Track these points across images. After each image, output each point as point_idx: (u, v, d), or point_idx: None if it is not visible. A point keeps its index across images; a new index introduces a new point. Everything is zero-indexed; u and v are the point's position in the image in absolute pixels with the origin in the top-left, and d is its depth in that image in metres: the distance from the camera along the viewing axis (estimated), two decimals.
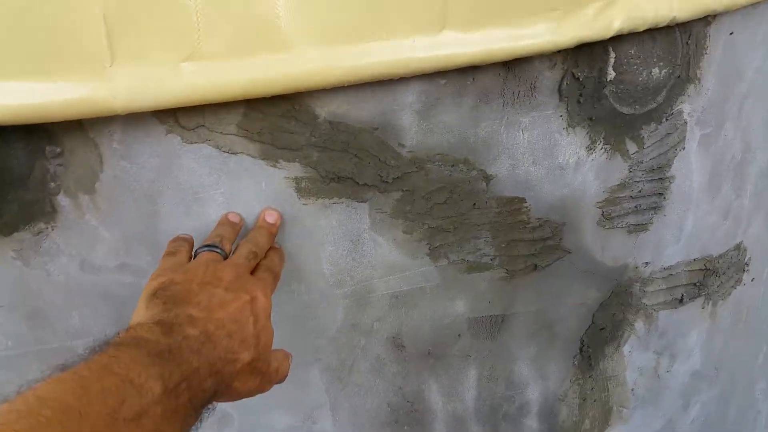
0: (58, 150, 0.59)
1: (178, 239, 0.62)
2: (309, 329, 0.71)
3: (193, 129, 0.58)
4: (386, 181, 0.63)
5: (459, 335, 0.75)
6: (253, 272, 0.57)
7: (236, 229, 0.61)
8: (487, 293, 0.73)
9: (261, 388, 0.53)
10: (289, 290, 0.68)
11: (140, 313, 0.50)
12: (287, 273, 0.67)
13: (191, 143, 0.59)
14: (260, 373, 0.51)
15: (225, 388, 0.47)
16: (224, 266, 0.53)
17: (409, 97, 0.60)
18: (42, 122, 0.53)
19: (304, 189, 0.63)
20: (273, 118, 0.59)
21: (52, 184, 0.61)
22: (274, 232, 0.62)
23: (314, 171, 0.62)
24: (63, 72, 0.50)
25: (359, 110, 0.59)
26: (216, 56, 0.52)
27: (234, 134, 0.59)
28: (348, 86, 0.57)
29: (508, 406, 0.83)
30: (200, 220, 0.63)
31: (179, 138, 0.59)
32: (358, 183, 0.63)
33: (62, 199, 0.61)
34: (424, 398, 0.78)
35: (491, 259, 0.71)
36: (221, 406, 0.74)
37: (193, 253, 0.59)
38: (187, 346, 0.43)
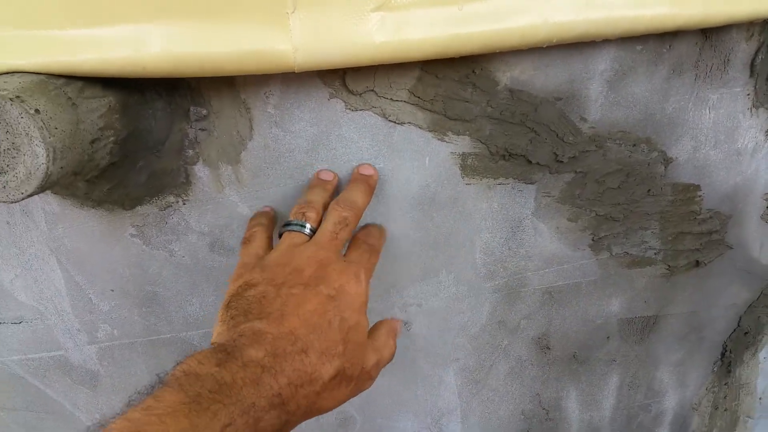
0: (204, 112, 0.52)
1: (256, 217, 0.53)
2: (452, 326, 0.64)
3: (361, 94, 0.51)
4: (560, 161, 0.56)
5: (608, 337, 0.68)
6: (349, 248, 0.49)
7: (329, 190, 0.51)
8: (644, 291, 0.66)
9: (357, 391, 0.44)
10: (437, 281, 0.61)
11: (215, 329, 0.42)
12: (438, 262, 0.60)
13: (356, 110, 0.52)
14: (352, 379, 0.42)
15: (303, 412, 0.39)
16: (305, 251, 0.45)
17: (602, 64, 0.52)
18: (201, 76, 0.46)
19: (469, 167, 0.56)
20: (449, 84, 0.52)
21: (190, 152, 0.53)
22: (373, 185, 0.53)
23: (484, 146, 0.55)
24: (237, 16, 0.43)
25: (545, 77, 0.52)
26: (409, 5, 0.45)
27: (404, 101, 0.52)
28: (537, 48, 0.50)
29: (644, 416, 0.75)
30: None
31: (343, 104, 0.51)
32: (530, 161, 0.56)
33: (200, 169, 0.54)
34: (561, 406, 0.71)
35: (655, 253, 0.64)
36: (342, 407, 0.67)
37: (277, 232, 0.50)
38: (244, 377, 0.35)
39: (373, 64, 0.46)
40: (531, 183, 0.57)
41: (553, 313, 0.65)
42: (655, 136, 0.57)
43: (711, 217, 0.64)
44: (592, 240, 0.61)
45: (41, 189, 0.40)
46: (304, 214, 0.48)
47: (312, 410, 0.40)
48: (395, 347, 0.49)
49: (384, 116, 0.52)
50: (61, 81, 0.42)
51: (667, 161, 0.59)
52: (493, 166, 0.56)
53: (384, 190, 0.55)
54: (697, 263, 0.66)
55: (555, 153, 0.56)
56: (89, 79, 0.44)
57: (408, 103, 0.52)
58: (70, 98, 0.41)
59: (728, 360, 0.76)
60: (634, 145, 0.57)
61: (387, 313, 0.62)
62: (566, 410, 0.71)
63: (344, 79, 0.50)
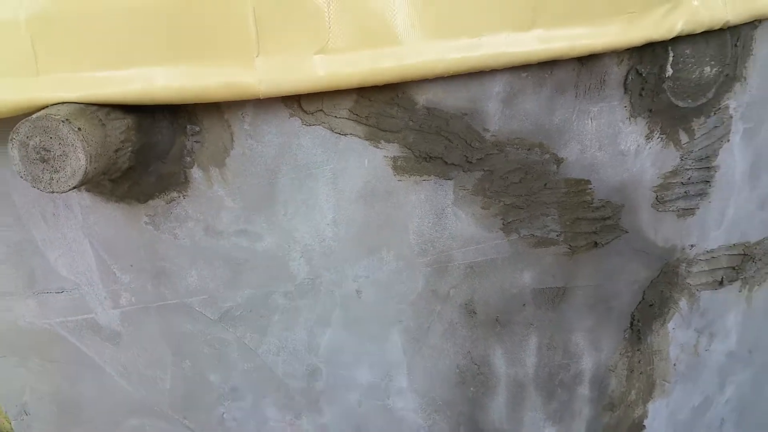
0: (197, 129, 0.70)
1: None
2: (394, 293, 0.81)
3: (313, 113, 0.69)
4: (470, 162, 0.73)
5: (524, 305, 0.84)
6: None
7: None
8: (551, 267, 0.82)
9: None
10: (379, 257, 0.78)
11: None
12: (380, 242, 0.77)
13: (309, 125, 0.69)
14: None
15: None
16: None
17: (496, 87, 0.69)
18: (194, 102, 0.64)
19: (399, 167, 0.73)
20: (379, 104, 0.69)
21: (188, 159, 0.71)
22: None
23: (410, 151, 0.72)
24: (216, 59, 0.61)
25: (453, 98, 0.69)
26: (342, 50, 0.62)
27: (346, 118, 0.69)
28: (445, 77, 0.67)
29: (564, 374, 0.91)
30: (311, 191, 0.73)
31: (300, 121, 0.69)
32: (446, 162, 0.73)
33: (195, 172, 0.72)
34: (490, 362, 0.87)
35: (557, 235, 0.80)
36: (311, 361, 0.83)
37: None
38: None
39: (317, 91, 0.64)
40: (449, 179, 0.74)
41: (476, 284, 0.81)
42: (547, 141, 0.74)
43: (603, 206, 0.80)
44: (503, 224, 0.78)
45: (81, 183, 0.58)
46: None
47: None
48: None
49: (331, 129, 0.70)
50: (94, 108, 0.60)
51: (558, 161, 0.75)
52: (418, 166, 0.73)
53: (334, 186, 0.73)
54: (596, 244, 0.82)
55: (465, 156, 0.73)
56: (114, 106, 0.62)
57: (349, 119, 0.69)
58: (100, 120, 0.60)
59: (637, 328, 0.92)
60: (529, 149, 0.74)
61: (343, 282, 0.79)
62: (494, 366, 0.87)
63: (300, 102, 0.68)
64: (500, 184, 0.75)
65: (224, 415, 0.88)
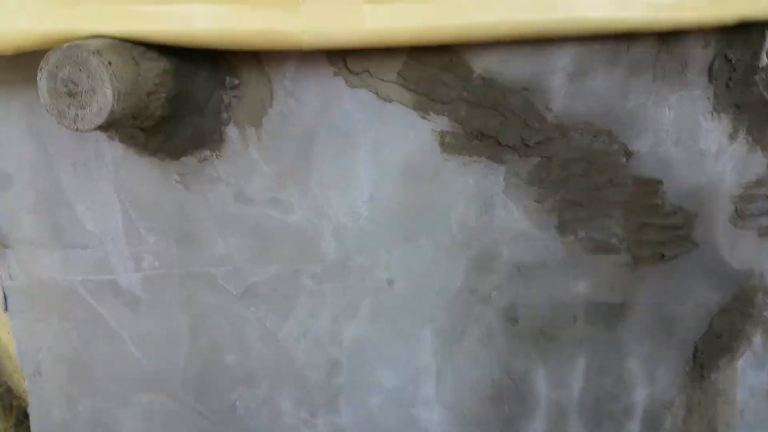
0: (236, 82, 0.66)
1: None
2: (429, 287, 0.73)
3: (358, 73, 0.64)
4: (527, 144, 0.66)
5: (575, 318, 0.75)
6: None
7: None
8: (609, 277, 0.73)
9: None
10: (417, 245, 0.71)
11: None
12: (419, 228, 0.70)
13: (353, 87, 0.64)
14: None
15: None
16: None
17: (563, 60, 0.63)
18: (234, 48, 0.60)
19: (447, 144, 0.66)
20: (431, 69, 0.63)
21: (225, 115, 0.68)
22: None
23: (460, 127, 0.66)
24: (260, 1, 0.57)
25: (513, 69, 0.63)
26: (394, 0, 0.57)
27: (393, 82, 0.64)
28: (507, 42, 0.61)
29: (613, 404, 0.81)
30: (349, 162, 0.67)
31: (344, 81, 0.64)
32: (500, 143, 0.66)
33: (231, 130, 0.68)
34: (530, 380, 0.78)
35: (619, 242, 0.71)
36: (333, 353, 0.77)
37: None
38: None
39: (364, 46, 0.59)
40: (502, 163, 0.67)
41: (522, 287, 0.73)
42: (616, 128, 0.66)
43: (675, 213, 0.71)
44: (558, 222, 0.70)
45: (108, 124, 0.54)
46: None
47: None
48: None
49: (377, 94, 0.64)
50: (129, 45, 0.57)
51: (628, 153, 0.67)
52: (468, 144, 0.66)
53: (375, 158, 0.67)
54: (662, 256, 0.72)
55: (522, 137, 0.66)
56: (150, 46, 0.59)
57: (396, 84, 0.64)
58: (133, 57, 0.57)
59: (700, 362, 0.80)
60: (596, 135, 0.66)
61: (375, 269, 0.72)
62: (534, 385, 0.78)
63: (345, 60, 0.63)
64: (559, 175, 0.68)
65: (237, 403, 0.82)
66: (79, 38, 0.57)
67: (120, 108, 0.55)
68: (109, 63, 0.53)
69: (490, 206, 0.69)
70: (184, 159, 0.70)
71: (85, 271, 0.79)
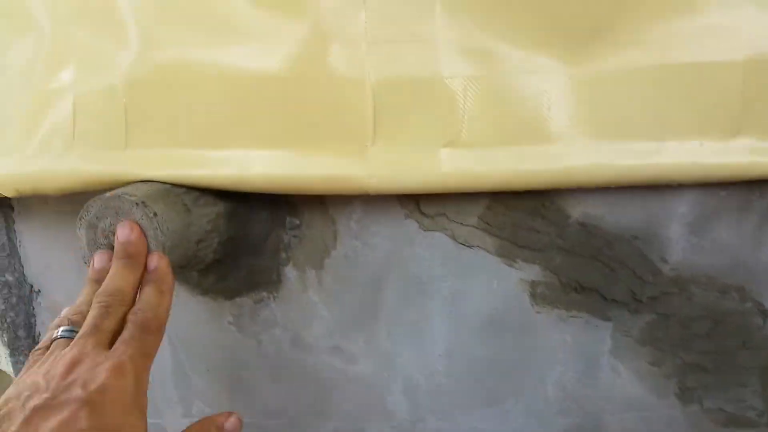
0: (297, 222, 0.59)
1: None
2: None
3: (433, 217, 0.55)
4: (639, 300, 0.54)
5: None
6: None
7: (101, 281, 0.44)
8: None
9: None
10: (503, 409, 0.60)
11: None
12: (506, 389, 0.59)
13: (428, 230, 0.56)
14: None
15: None
16: (57, 360, 0.38)
17: (681, 207, 0.52)
18: (294, 193, 0.53)
19: (539, 295, 0.56)
20: (518, 214, 0.54)
21: (284, 255, 0.60)
22: (133, 252, 0.45)
23: (555, 277, 0.55)
24: (324, 146, 0.50)
25: (620, 215, 0.52)
26: (476, 144, 0.49)
27: (473, 226, 0.55)
28: (612, 188, 0.51)
29: None
30: (422, 311, 0.58)
31: (416, 224, 0.56)
32: (605, 297, 0.55)
33: (289, 271, 0.61)
34: None
35: (758, 415, 0.57)
36: None
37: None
38: None
39: (441, 192, 0.50)
40: (607, 320, 0.56)
41: None
42: (749, 285, 0.53)
43: None
44: (679, 389, 0.57)
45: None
46: (69, 320, 0.42)
47: None
48: None
49: (454, 238, 0.55)
50: (182, 190, 0.51)
51: (765, 313, 0.54)
52: (564, 297, 0.56)
53: (452, 309, 0.58)
54: None
55: (632, 291, 0.54)
56: (205, 190, 0.53)
57: (477, 228, 0.55)
58: (185, 205, 0.51)
59: None
60: (723, 292, 0.54)
61: None
62: None
63: (418, 202, 0.55)
64: (679, 335, 0.55)
65: None
66: (127, 182, 0.52)
67: None
68: (155, 214, 0.47)
69: (593, 368, 0.57)
70: (238, 300, 0.63)
71: None
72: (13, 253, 0.76)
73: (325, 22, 0.48)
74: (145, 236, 0.46)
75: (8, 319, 0.76)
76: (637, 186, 0.50)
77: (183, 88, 0.50)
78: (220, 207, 0.54)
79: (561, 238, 0.54)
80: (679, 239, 0.52)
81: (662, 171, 0.48)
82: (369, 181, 0.49)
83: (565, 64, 0.48)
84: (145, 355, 0.40)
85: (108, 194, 0.47)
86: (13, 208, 0.74)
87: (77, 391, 0.35)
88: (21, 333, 0.75)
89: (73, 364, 0.37)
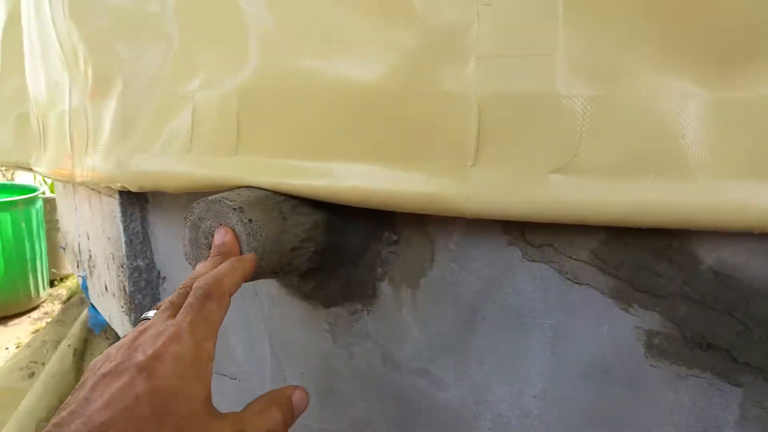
0: (395, 238, 0.57)
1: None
2: None
3: (539, 246, 0.51)
4: None
5: None
6: None
7: (216, 265, 0.45)
8: None
9: None
10: None
11: None
12: None
13: (532, 261, 0.51)
14: None
15: None
16: (129, 333, 0.39)
17: None
18: (389, 210, 0.51)
19: (656, 347, 0.49)
20: (640, 253, 0.48)
21: (380, 270, 0.59)
22: (227, 252, 0.47)
23: (677, 328, 0.48)
24: (422, 163, 0.48)
25: (762, 266, 0.44)
26: (594, 171, 0.44)
27: (585, 261, 0.49)
28: (753, 233, 0.43)
29: None
30: (519, 347, 0.54)
31: (519, 252, 0.51)
32: (735, 360, 0.47)
33: (385, 287, 0.59)
34: None
35: None
36: None
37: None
38: None
39: (548, 221, 0.46)
40: (737, 385, 0.48)
41: None
42: None
43: None
44: None
45: (243, 280, 0.49)
46: (157, 306, 0.44)
47: None
48: (280, 419, 0.42)
49: (561, 272, 0.50)
50: (281, 198, 0.52)
51: None
52: (686, 353, 0.48)
53: (553, 348, 0.52)
54: None
55: None
56: (303, 200, 0.53)
57: (590, 264, 0.49)
58: (282, 212, 0.51)
59: None
60: None
61: None
62: None
63: (523, 229, 0.51)
64: None
65: None
66: (232, 186, 0.54)
67: (258, 266, 0.49)
68: (250, 220, 0.48)
69: None
70: (334, 309, 0.63)
71: (231, 402, 0.75)
72: (146, 241, 0.82)
73: (434, 34, 0.46)
74: (239, 240, 0.47)
75: (136, 301, 0.83)
76: None
77: (290, 98, 0.50)
78: (317, 217, 0.54)
79: (688, 286, 0.47)
80: None
81: None
82: (467, 203, 0.46)
83: (707, 88, 0.41)
84: (206, 321, 0.39)
85: (210, 198, 0.49)
86: (148, 200, 0.81)
87: (138, 357, 0.36)
88: None
89: (140, 334, 0.38)
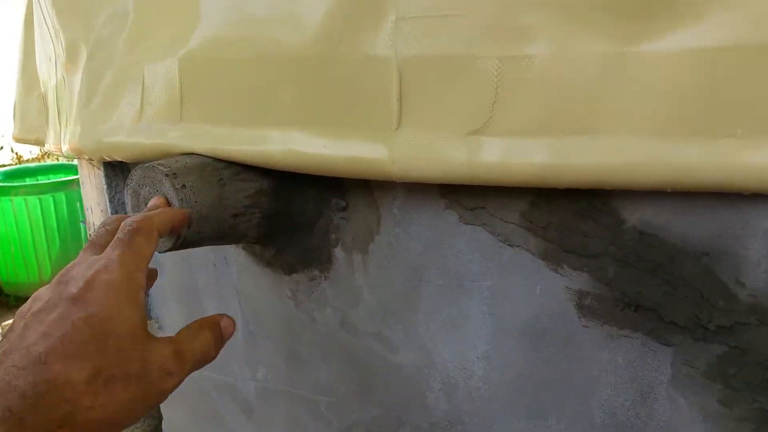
0: (344, 204, 0.59)
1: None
2: None
3: (472, 209, 0.51)
4: (706, 327, 0.45)
5: None
6: None
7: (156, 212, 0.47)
8: None
9: (151, 390, 0.37)
10: (545, 425, 0.54)
11: None
12: (547, 404, 0.54)
13: (467, 224, 0.52)
14: (128, 378, 0.36)
15: (59, 425, 0.33)
16: (57, 277, 0.40)
17: (766, 221, 0.42)
18: (324, 175, 0.52)
19: (587, 307, 0.49)
20: (566, 214, 0.48)
21: (333, 236, 0.61)
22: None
23: (606, 288, 0.48)
24: (350, 128, 0.49)
25: (686, 225, 0.44)
26: (509, 132, 0.44)
27: (515, 224, 0.50)
28: (675, 192, 0.42)
29: None
30: (460, 309, 0.55)
31: (456, 216, 0.52)
32: (663, 319, 0.47)
33: (338, 252, 0.61)
34: None
35: None
36: None
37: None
38: None
39: (468, 183, 0.46)
40: (667, 345, 0.48)
41: None
42: None
43: None
44: None
45: (179, 247, 0.51)
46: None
47: (76, 421, 0.34)
48: (212, 340, 0.44)
49: (495, 235, 0.51)
50: (222, 165, 0.54)
51: None
52: (617, 313, 0.49)
53: (491, 310, 0.53)
54: None
55: (698, 316, 0.45)
56: (247, 167, 0.55)
57: (520, 227, 0.50)
58: (222, 179, 0.53)
59: None
60: None
61: None
62: None
63: (458, 193, 0.51)
64: (757, 375, 0.45)
65: None
66: (177, 153, 0.56)
67: (193, 233, 0.51)
68: (183, 186, 0.50)
69: (649, 398, 0.50)
70: (295, 276, 0.65)
71: (210, 368, 0.78)
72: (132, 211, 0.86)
73: None
74: (171, 206, 0.49)
75: None
76: (708, 193, 0.42)
77: (226, 65, 0.52)
78: (262, 183, 0.56)
79: (614, 246, 0.47)
80: (761, 260, 0.42)
81: (739, 175, 0.39)
82: (392, 167, 0.47)
83: (618, 43, 0.41)
84: (136, 253, 0.41)
85: (147, 164, 0.51)
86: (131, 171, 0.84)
87: (70, 290, 0.37)
88: None
89: (67, 271, 0.40)
